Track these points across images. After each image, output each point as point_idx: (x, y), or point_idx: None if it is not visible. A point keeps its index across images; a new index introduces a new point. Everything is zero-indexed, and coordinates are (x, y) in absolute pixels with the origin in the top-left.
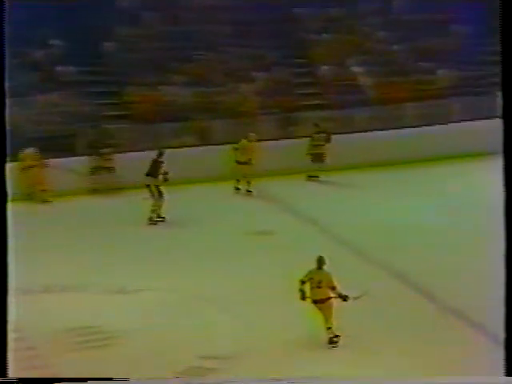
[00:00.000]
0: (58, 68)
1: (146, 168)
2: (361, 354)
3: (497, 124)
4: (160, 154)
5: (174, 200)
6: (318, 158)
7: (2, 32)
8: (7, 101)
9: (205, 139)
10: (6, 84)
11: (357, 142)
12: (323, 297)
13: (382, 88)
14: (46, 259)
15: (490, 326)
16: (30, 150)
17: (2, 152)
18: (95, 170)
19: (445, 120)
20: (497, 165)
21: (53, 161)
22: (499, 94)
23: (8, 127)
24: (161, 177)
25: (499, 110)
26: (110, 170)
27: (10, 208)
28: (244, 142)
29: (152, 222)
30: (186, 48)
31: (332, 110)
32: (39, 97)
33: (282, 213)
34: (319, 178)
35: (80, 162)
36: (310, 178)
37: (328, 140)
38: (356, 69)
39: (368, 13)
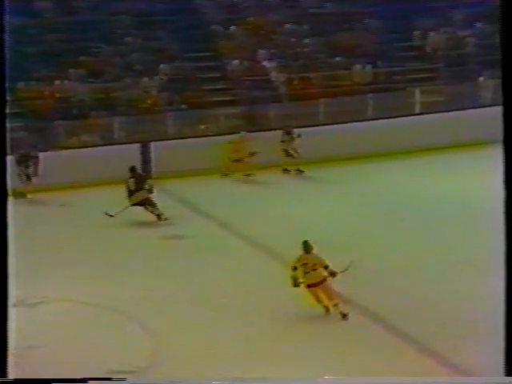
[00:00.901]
0: None
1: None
2: None
3: (412, 121)
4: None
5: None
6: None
7: (1, 32)
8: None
9: (105, 138)
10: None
11: (270, 140)
12: (320, 278)
13: (295, 84)
14: None
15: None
16: None
17: (2, 153)
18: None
19: (360, 117)
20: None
21: None
22: (416, 90)
23: None
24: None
25: (415, 107)
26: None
27: None
28: (238, 139)
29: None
30: (83, 40)
31: (241, 106)
32: None
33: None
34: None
35: None
36: (285, 171)
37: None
38: (267, 64)
39: (275, 5)
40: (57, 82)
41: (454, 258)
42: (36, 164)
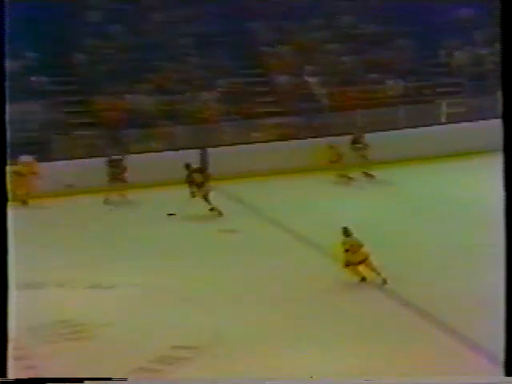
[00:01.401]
0: (32, 78)
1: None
2: None
3: (441, 130)
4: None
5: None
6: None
7: (2, 34)
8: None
9: (169, 144)
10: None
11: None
12: (365, 256)
13: (335, 96)
14: (27, 257)
15: None
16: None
17: (2, 155)
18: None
19: (392, 126)
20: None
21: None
22: (443, 102)
23: None
24: None
25: (443, 117)
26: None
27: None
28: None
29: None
30: (150, 59)
31: (289, 116)
32: (14, 105)
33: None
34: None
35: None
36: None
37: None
38: (310, 79)
39: (318, 26)
40: (127, 96)
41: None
42: (123, 167)
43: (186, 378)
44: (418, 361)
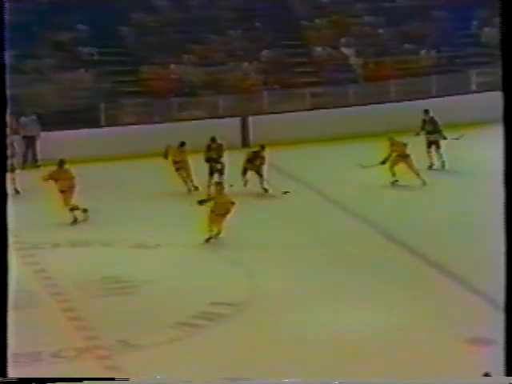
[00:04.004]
0: (83, 49)
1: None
2: None
3: (472, 98)
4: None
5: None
6: None
7: (2, 36)
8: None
9: (211, 113)
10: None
11: (349, 115)
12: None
13: (370, 67)
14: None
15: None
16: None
17: (2, 154)
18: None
19: (425, 95)
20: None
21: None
22: (473, 71)
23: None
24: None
25: (473, 86)
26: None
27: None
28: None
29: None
30: (194, 32)
31: (326, 86)
32: (65, 74)
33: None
34: None
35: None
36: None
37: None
38: (346, 50)
39: (354, 0)
40: (172, 66)
41: None
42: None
43: (186, 378)
44: None
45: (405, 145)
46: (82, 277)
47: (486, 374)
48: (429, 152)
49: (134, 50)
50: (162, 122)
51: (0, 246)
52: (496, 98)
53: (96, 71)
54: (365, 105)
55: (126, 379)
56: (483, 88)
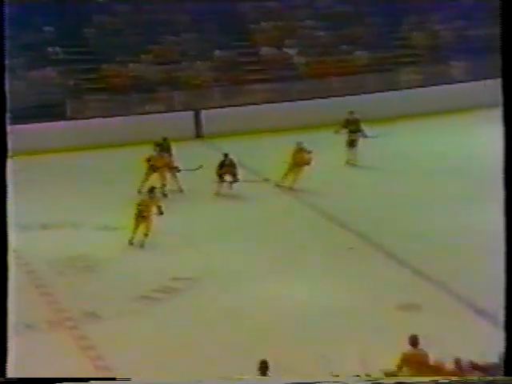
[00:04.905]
0: (49, 49)
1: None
2: None
3: (401, 95)
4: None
5: None
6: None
7: (2, 35)
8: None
9: (168, 107)
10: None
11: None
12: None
13: (312, 66)
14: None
15: None
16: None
17: (2, 153)
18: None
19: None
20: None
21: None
22: (404, 70)
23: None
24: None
25: (404, 84)
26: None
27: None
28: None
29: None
30: (152, 33)
31: (272, 83)
32: (34, 72)
33: None
34: None
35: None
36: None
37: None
38: (290, 50)
39: (297, 6)
40: (131, 65)
41: None
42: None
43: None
44: None
45: (309, 153)
46: (50, 256)
47: (413, 337)
48: (348, 150)
49: (97, 49)
50: (122, 115)
51: (0, 246)
52: (422, 94)
53: (62, 69)
54: (308, 99)
55: (128, 379)
56: (411, 85)
